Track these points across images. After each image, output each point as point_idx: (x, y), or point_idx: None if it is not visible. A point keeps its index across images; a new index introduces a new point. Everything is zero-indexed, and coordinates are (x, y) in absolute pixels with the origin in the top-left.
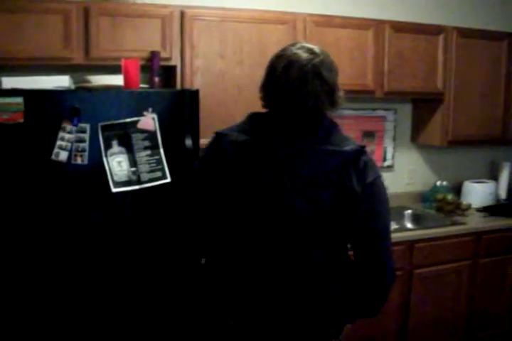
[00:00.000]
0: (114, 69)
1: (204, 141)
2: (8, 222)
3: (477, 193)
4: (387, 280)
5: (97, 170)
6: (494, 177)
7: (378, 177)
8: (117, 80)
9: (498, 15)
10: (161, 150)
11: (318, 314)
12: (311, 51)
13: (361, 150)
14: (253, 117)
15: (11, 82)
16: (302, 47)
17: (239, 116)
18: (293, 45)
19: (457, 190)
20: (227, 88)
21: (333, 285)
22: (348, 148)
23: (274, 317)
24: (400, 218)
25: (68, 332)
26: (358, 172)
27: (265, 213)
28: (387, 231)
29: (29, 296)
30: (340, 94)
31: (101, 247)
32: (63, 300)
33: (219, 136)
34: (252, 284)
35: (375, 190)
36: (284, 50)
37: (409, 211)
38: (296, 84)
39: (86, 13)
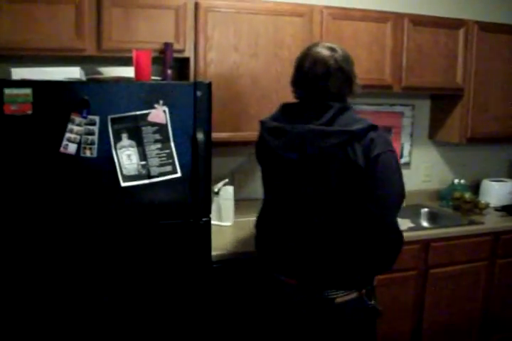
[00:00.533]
0: (127, 61)
1: (217, 135)
2: (16, 214)
3: (496, 192)
4: (392, 243)
5: (106, 163)
6: None
7: (384, 152)
8: (129, 72)
9: None
10: (172, 144)
11: (338, 264)
12: (331, 49)
13: (368, 128)
14: (283, 107)
15: (20, 73)
16: (323, 46)
17: (253, 109)
18: (316, 45)
19: (475, 188)
20: (241, 81)
21: (346, 241)
22: (355, 127)
23: (303, 268)
24: (416, 216)
25: (71, 330)
26: (363, 148)
27: (288, 184)
28: (394, 200)
29: (34, 284)
30: (357, 81)
31: (108, 241)
32: (72, 293)
33: (260, 124)
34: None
35: (380, 164)
36: (308, 49)
37: (426, 209)
38: (321, 77)
39: (98, 3)
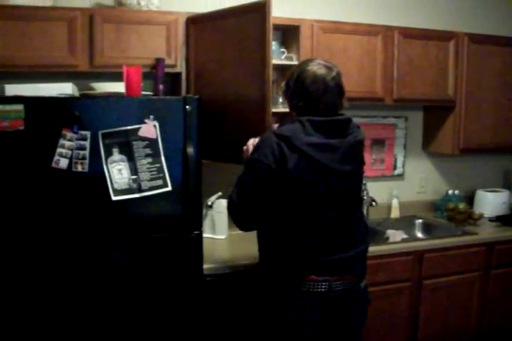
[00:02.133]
0: (120, 76)
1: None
2: (7, 229)
3: (490, 202)
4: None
5: (97, 177)
6: (508, 186)
7: None
8: (121, 87)
9: (510, 20)
10: (163, 158)
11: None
12: (327, 67)
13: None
14: (312, 121)
15: (13, 90)
16: (319, 64)
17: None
18: (311, 61)
19: (470, 199)
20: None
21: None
22: (360, 135)
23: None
24: (411, 227)
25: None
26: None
27: (331, 196)
28: None
29: (22, 299)
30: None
31: (100, 255)
32: (63, 308)
33: (289, 139)
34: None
35: None
36: (305, 65)
37: (420, 220)
38: (321, 93)
39: (90, 20)
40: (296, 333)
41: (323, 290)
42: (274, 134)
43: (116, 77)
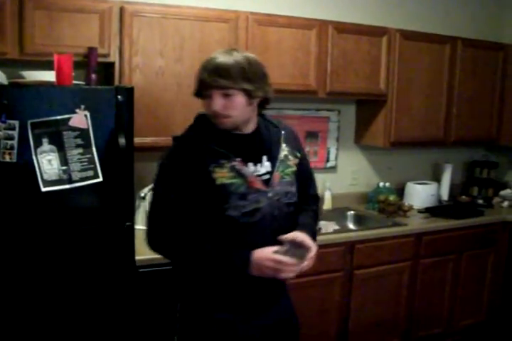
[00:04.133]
0: (51, 65)
1: (141, 140)
2: None
3: (419, 194)
4: None
5: (26, 168)
6: (437, 178)
7: None
8: (52, 76)
9: (441, 18)
10: (94, 149)
11: None
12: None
13: None
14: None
15: None
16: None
17: (178, 115)
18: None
19: (400, 191)
20: (167, 86)
21: None
22: None
23: None
24: (343, 219)
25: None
26: None
27: None
28: None
29: None
30: None
31: (31, 246)
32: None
33: None
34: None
35: None
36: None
37: (352, 212)
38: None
39: (21, 5)
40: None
41: None
42: None
43: (48, 65)
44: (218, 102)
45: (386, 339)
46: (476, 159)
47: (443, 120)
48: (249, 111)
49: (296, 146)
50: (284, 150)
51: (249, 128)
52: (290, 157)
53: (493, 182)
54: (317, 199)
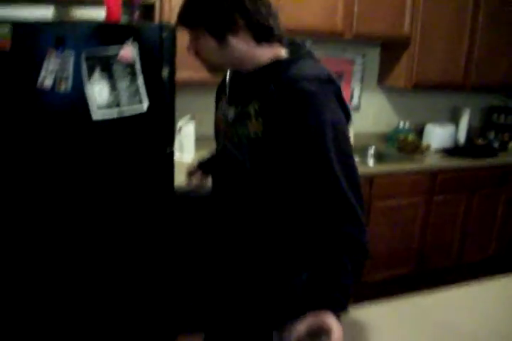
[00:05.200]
0: (100, 4)
1: (179, 74)
2: None
3: (437, 136)
4: None
5: (79, 97)
6: (456, 122)
7: None
8: (100, 13)
9: None
10: (140, 81)
11: None
12: None
13: None
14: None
15: None
16: None
17: None
18: None
19: (420, 132)
20: None
21: None
22: None
23: None
24: (364, 155)
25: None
26: None
27: None
28: None
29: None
30: None
31: (81, 175)
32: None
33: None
34: None
35: None
36: None
37: (372, 149)
38: None
39: None
40: None
41: None
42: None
43: (96, 3)
44: (190, 46)
45: (397, 270)
46: (494, 104)
47: (463, 65)
48: (231, 52)
49: (275, 120)
50: (252, 108)
51: (248, 68)
52: (254, 120)
53: (510, 127)
54: (348, 241)
